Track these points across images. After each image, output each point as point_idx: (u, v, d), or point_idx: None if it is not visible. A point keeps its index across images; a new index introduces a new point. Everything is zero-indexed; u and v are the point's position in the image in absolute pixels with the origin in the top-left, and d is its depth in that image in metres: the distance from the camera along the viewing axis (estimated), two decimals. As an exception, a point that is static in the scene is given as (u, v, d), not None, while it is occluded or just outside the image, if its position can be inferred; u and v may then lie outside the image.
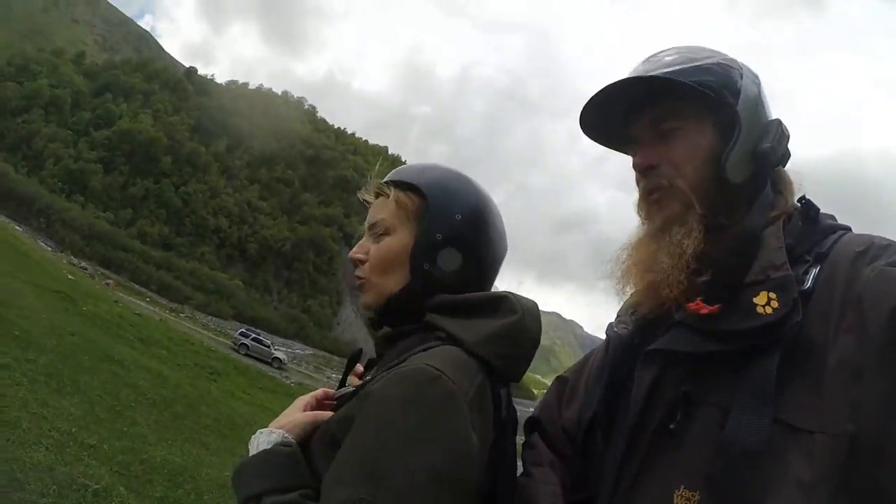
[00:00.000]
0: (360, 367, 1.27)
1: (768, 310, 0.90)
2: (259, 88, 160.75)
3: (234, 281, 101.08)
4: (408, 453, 0.88)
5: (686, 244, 1.04)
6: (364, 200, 1.25)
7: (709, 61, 1.09)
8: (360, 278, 1.18)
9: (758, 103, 1.07)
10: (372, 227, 1.19)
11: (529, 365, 1.09)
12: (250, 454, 1.05)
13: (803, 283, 0.93)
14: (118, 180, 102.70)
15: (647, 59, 1.14)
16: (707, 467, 0.88)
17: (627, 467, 1.02)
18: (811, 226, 1.02)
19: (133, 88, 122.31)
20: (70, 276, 26.36)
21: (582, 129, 1.20)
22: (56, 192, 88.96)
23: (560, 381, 1.39)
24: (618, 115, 1.16)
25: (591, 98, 1.11)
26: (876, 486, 0.77)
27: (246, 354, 40.21)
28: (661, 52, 1.15)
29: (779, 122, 1.07)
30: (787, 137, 1.07)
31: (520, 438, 1.19)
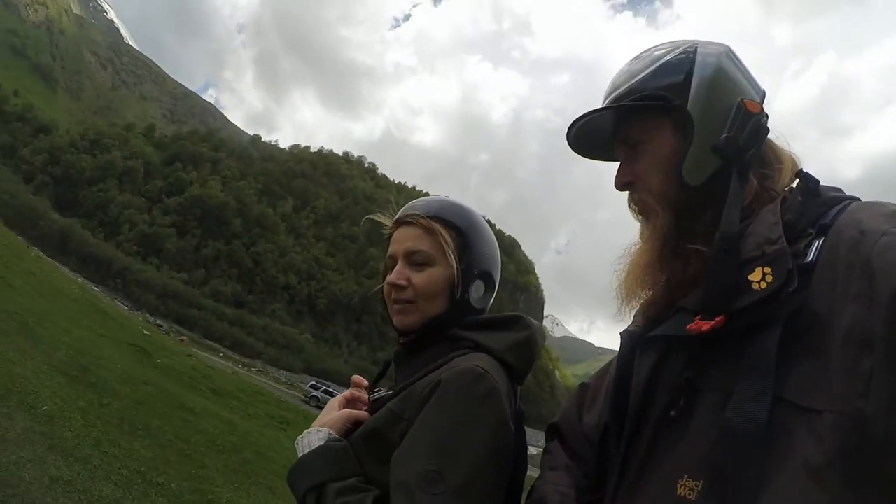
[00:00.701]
0: (364, 381, 1.40)
1: (763, 285, 0.87)
2: (320, 150, 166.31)
3: (304, 335, 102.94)
4: (466, 435, 1.07)
5: (653, 254, 1.06)
6: (389, 225, 1.41)
7: (664, 59, 1.08)
8: (406, 301, 1.31)
9: (713, 90, 1.03)
10: (411, 255, 1.32)
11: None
12: (300, 453, 1.19)
13: (806, 255, 0.88)
14: (191, 243, 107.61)
15: (630, 62, 1.15)
16: (710, 455, 0.85)
17: (632, 458, 1.01)
18: (812, 198, 0.96)
19: (201, 157, 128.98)
20: (146, 332, 27.28)
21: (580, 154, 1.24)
22: (132, 255, 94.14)
23: (582, 387, 1.38)
24: (605, 138, 1.19)
25: (567, 139, 1.18)
26: (886, 475, 0.71)
27: (317, 406, 40.43)
28: (632, 59, 1.15)
29: (739, 104, 1.01)
30: (755, 114, 1.00)
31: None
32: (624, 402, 1.06)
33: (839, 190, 0.99)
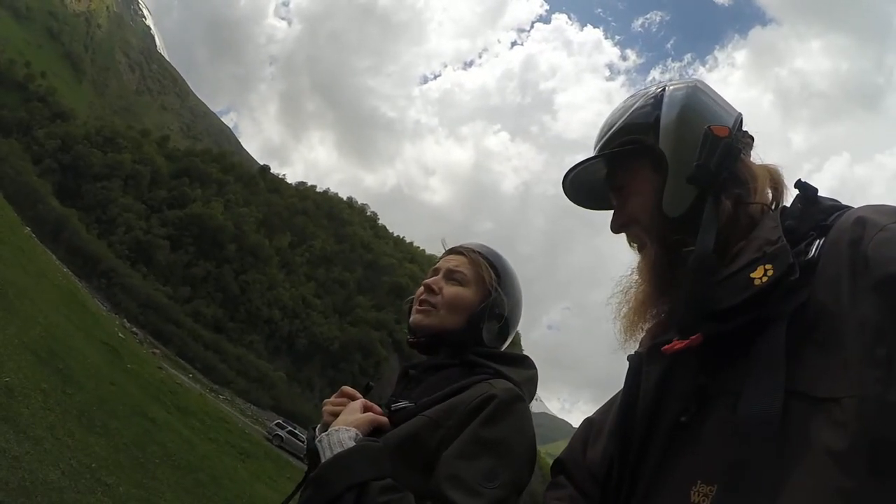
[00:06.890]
0: (355, 391, 1.45)
1: (765, 279, 0.88)
2: (326, 192, 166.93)
3: (277, 373, 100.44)
4: (516, 441, 1.26)
5: (650, 288, 1.11)
6: (449, 249, 1.62)
7: (636, 104, 1.15)
8: (430, 304, 1.49)
9: (681, 125, 1.07)
10: (451, 272, 1.52)
11: None
12: (327, 451, 1.20)
13: (807, 253, 0.89)
14: (182, 259, 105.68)
15: (609, 114, 1.23)
16: (723, 457, 0.84)
17: (644, 469, 1.00)
18: (811, 206, 0.98)
19: (209, 177, 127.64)
20: (121, 335, 26.69)
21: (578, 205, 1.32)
22: (122, 259, 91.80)
23: (587, 422, 1.37)
24: (597, 187, 1.25)
25: (565, 192, 1.26)
26: None
27: (279, 446, 39.13)
28: (611, 111, 1.23)
29: (707, 131, 1.04)
30: (723, 138, 1.03)
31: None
32: (632, 421, 1.05)
33: (836, 200, 1.00)
